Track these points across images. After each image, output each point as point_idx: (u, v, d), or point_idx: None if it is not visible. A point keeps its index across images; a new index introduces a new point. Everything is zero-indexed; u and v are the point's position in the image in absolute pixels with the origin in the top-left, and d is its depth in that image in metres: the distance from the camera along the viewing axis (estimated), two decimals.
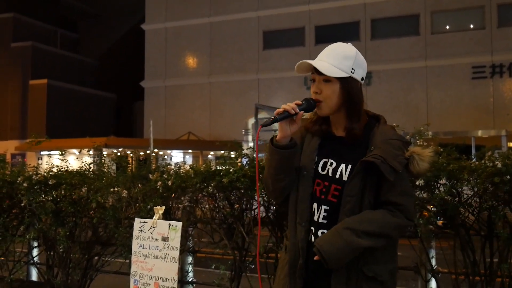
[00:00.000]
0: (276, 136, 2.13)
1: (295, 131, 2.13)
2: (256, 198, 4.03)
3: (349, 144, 2.14)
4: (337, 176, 2.12)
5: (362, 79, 2.17)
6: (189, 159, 23.01)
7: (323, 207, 2.13)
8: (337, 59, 2.12)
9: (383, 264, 2.10)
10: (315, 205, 2.15)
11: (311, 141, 2.21)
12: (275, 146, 2.12)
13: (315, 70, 2.13)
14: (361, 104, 2.16)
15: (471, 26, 21.55)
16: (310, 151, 2.19)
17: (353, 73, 2.12)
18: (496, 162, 3.21)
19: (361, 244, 2.00)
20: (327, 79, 2.11)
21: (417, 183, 3.33)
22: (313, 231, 2.14)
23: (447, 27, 21.99)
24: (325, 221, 2.12)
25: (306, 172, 2.16)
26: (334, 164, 2.14)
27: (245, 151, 4.24)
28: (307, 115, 2.26)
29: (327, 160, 2.16)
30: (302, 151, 2.21)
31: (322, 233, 2.10)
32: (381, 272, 2.08)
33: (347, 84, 2.11)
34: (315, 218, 2.15)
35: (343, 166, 2.12)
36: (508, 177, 3.13)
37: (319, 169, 2.16)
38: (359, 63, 2.15)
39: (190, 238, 4.63)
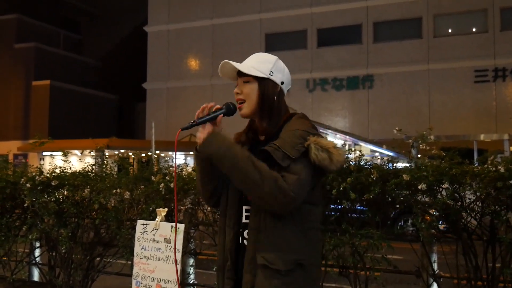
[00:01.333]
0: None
1: None
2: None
3: (263, 144, 2.20)
4: None
5: (282, 83, 2.28)
6: (191, 161, 23.01)
7: (245, 207, 2.22)
8: (257, 62, 2.27)
9: (280, 253, 2.07)
10: (244, 208, 2.23)
11: None
12: (196, 150, 2.26)
13: (237, 73, 2.27)
14: (276, 104, 2.25)
15: (474, 29, 21.55)
16: None
17: (271, 75, 2.25)
18: (499, 167, 3.21)
19: (236, 152, 2.06)
20: (247, 80, 2.25)
21: (419, 187, 3.33)
22: (241, 232, 2.22)
23: (450, 30, 21.99)
24: (247, 221, 2.19)
25: None
26: None
27: None
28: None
29: None
30: None
31: (251, 233, 2.13)
32: (274, 261, 2.06)
33: (264, 84, 2.24)
34: (243, 220, 2.22)
35: None
36: (511, 181, 3.13)
37: None
38: (278, 68, 2.29)
39: (192, 240, 4.64)
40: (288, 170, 2.04)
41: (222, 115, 2.23)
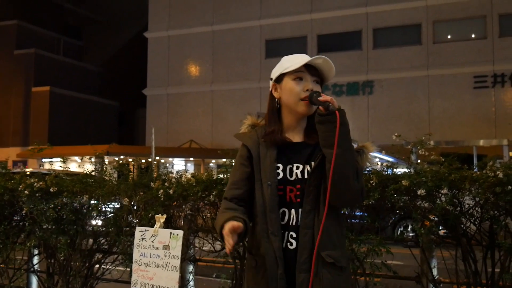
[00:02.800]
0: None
1: None
2: None
3: (309, 146, 2.25)
4: (306, 176, 2.21)
5: None
6: (190, 167, 23.01)
7: (300, 210, 2.20)
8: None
9: (339, 250, 2.18)
10: (292, 211, 2.21)
11: (267, 152, 2.27)
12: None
13: (307, 69, 2.25)
14: None
15: (473, 35, 21.60)
16: (271, 162, 2.24)
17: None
18: (498, 172, 3.20)
19: (350, 141, 2.16)
20: (317, 81, 2.27)
21: (418, 192, 3.33)
22: (294, 236, 2.19)
23: (449, 36, 22.03)
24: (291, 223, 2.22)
25: (271, 182, 2.21)
26: (301, 167, 2.23)
27: None
28: (243, 128, 2.49)
29: (293, 165, 2.24)
30: (260, 163, 2.26)
31: (306, 233, 2.15)
32: (339, 258, 2.16)
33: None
34: (294, 223, 2.20)
35: (307, 166, 2.22)
36: (510, 187, 3.12)
37: (288, 176, 2.23)
38: None
39: (191, 246, 4.62)
40: None
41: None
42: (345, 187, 2.10)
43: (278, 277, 2.15)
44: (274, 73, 2.36)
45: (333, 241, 2.16)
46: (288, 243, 2.19)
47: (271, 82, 2.37)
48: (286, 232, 2.20)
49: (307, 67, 2.25)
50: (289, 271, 2.17)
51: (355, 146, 2.28)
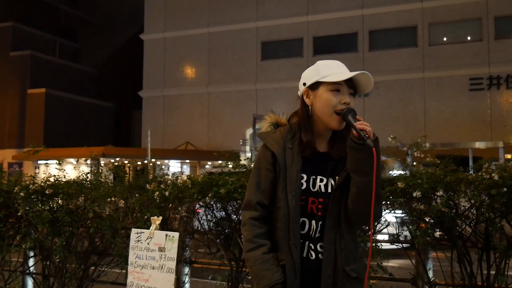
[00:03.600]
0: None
1: None
2: None
3: (333, 159, 2.24)
4: (329, 190, 2.21)
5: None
6: (186, 169, 22.99)
7: (320, 222, 2.21)
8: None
9: (359, 261, 2.22)
10: (313, 222, 2.21)
11: (293, 159, 2.23)
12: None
13: (346, 82, 2.23)
14: None
15: (469, 38, 21.66)
16: (296, 171, 2.21)
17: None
18: (493, 174, 3.21)
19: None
20: (352, 94, 2.26)
21: (414, 194, 3.33)
22: (313, 248, 2.20)
23: (445, 39, 22.09)
24: (316, 234, 2.23)
25: (295, 192, 2.19)
26: (325, 180, 2.22)
27: (242, 162, 4.23)
28: (264, 127, 2.39)
29: (317, 177, 2.23)
30: (285, 169, 2.22)
31: (329, 248, 2.17)
32: (361, 270, 2.19)
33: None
34: (313, 234, 2.21)
35: (331, 180, 2.21)
36: (505, 189, 3.13)
37: (311, 187, 2.22)
38: None
39: (187, 248, 4.62)
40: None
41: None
42: (368, 212, 2.07)
43: (295, 287, 2.16)
44: (309, 79, 2.30)
45: (354, 255, 2.19)
46: (309, 254, 2.21)
47: (303, 87, 2.32)
48: (307, 242, 2.21)
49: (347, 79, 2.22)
50: (306, 282, 2.18)
51: None
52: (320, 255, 2.19)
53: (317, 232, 2.20)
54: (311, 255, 2.20)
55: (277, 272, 2.15)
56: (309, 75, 2.31)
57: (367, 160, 2.03)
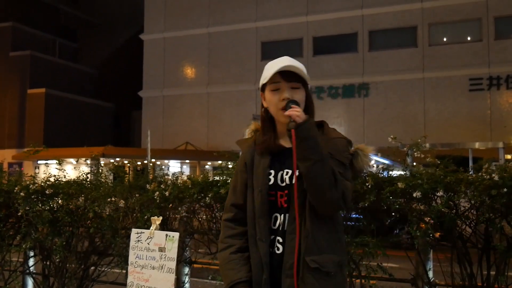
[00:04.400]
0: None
1: None
2: None
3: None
4: (293, 181, 2.20)
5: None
6: (186, 169, 22.99)
7: (287, 215, 2.22)
8: (301, 68, 2.24)
9: (327, 255, 2.15)
10: (281, 216, 2.23)
11: (261, 159, 2.29)
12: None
13: (282, 77, 2.22)
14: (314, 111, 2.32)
15: (468, 38, 21.66)
16: (263, 168, 2.27)
17: (308, 82, 2.29)
18: (493, 175, 3.21)
19: (326, 158, 2.08)
20: (296, 87, 2.23)
21: (414, 195, 3.34)
22: (281, 241, 2.21)
23: (445, 39, 22.09)
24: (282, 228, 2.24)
25: (261, 188, 2.24)
26: (290, 172, 2.23)
27: None
28: (247, 134, 2.45)
29: (283, 171, 2.25)
30: (253, 170, 2.29)
31: (292, 238, 2.15)
32: (326, 263, 2.13)
33: (308, 91, 2.28)
34: (280, 228, 2.22)
35: (297, 172, 2.20)
36: (505, 189, 3.14)
37: (279, 181, 2.25)
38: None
39: (187, 248, 4.62)
40: (343, 176, 2.14)
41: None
42: (321, 197, 2.09)
43: (262, 282, 2.19)
44: (260, 83, 2.36)
45: (320, 246, 2.14)
46: (276, 248, 2.22)
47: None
48: (274, 237, 2.23)
49: (282, 74, 2.22)
50: (276, 275, 2.19)
51: (351, 148, 2.28)
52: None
53: (285, 225, 2.20)
54: (278, 249, 2.21)
55: (240, 271, 2.21)
56: (261, 79, 2.35)
57: (301, 145, 2.06)
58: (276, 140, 2.31)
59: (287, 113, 2.10)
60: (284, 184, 2.24)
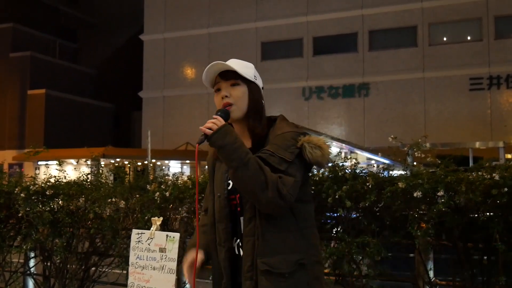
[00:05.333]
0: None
1: None
2: None
3: (256, 151, 2.16)
4: None
5: (262, 88, 2.32)
6: (187, 170, 22.98)
7: (241, 218, 2.20)
8: (241, 67, 2.25)
9: (281, 255, 2.09)
10: (241, 219, 2.20)
11: (220, 164, 2.29)
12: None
13: (221, 77, 2.23)
14: (264, 108, 2.29)
15: (469, 38, 21.66)
16: (221, 174, 2.28)
17: (256, 79, 2.27)
18: (494, 174, 3.21)
19: (250, 157, 2.02)
20: (235, 83, 2.22)
21: (414, 195, 3.33)
22: (240, 244, 2.20)
23: (445, 38, 22.09)
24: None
25: (220, 193, 2.25)
26: None
27: None
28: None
29: None
30: (214, 172, 2.33)
31: (248, 241, 2.13)
32: (278, 265, 2.07)
33: (253, 88, 2.25)
34: (242, 231, 2.19)
35: None
36: (506, 189, 3.13)
37: (233, 187, 2.23)
38: (257, 75, 2.32)
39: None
40: (285, 173, 2.06)
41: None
42: (255, 199, 2.06)
43: (222, 286, 2.21)
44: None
45: (272, 247, 2.09)
46: (239, 251, 2.21)
47: None
48: (235, 240, 2.23)
49: (221, 74, 2.24)
50: (238, 279, 2.19)
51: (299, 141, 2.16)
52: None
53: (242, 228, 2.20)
54: (239, 252, 2.20)
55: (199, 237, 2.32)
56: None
57: (220, 154, 2.06)
58: None
59: (200, 128, 2.07)
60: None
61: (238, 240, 2.21)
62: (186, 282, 4.67)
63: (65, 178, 4.80)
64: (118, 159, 19.03)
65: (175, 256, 3.09)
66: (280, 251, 2.09)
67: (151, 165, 16.32)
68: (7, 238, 4.87)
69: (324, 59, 23.36)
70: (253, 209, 2.12)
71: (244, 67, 2.25)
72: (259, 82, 2.31)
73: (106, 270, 4.73)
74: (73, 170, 5.53)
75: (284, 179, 2.05)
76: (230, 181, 2.24)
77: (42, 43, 29.74)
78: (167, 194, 4.08)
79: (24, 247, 4.65)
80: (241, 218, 2.19)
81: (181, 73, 26.24)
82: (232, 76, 2.22)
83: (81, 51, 34.27)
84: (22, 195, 4.56)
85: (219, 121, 2.07)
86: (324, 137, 2.19)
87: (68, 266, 4.62)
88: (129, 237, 3.54)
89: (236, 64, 2.25)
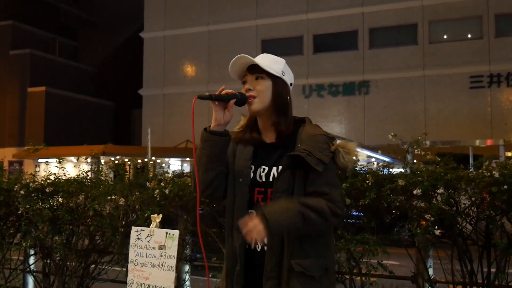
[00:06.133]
0: (210, 125, 2.24)
1: (228, 120, 2.25)
2: None
3: (279, 148, 2.21)
4: (270, 179, 2.19)
5: (291, 84, 2.32)
6: (186, 167, 22.97)
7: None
8: (269, 61, 2.27)
9: (313, 259, 2.11)
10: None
11: (244, 150, 2.29)
12: (209, 133, 2.22)
13: (248, 70, 2.27)
14: (289, 104, 2.29)
15: (469, 35, 21.64)
16: (245, 159, 2.26)
17: (283, 75, 2.26)
18: (494, 172, 3.21)
19: (302, 213, 2.02)
20: (259, 77, 2.25)
21: (414, 192, 3.33)
22: None
23: (445, 36, 22.07)
24: None
25: (242, 179, 2.23)
26: (266, 169, 2.22)
27: None
28: (236, 129, 2.43)
29: (261, 167, 2.24)
30: (235, 160, 2.29)
31: (274, 240, 2.13)
32: (311, 268, 2.09)
33: (278, 83, 2.25)
34: None
35: (274, 169, 2.19)
36: (506, 187, 3.13)
37: (257, 177, 2.23)
38: (287, 70, 2.31)
39: (187, 246, 4.62)
40: (321, 177, 2.09)
41: (234, 100, 2.23)
42: (320, 231, 2.14)
43: (235, 273, 2.19)
44: None
45: (306, 250, 2.11)
46: (256, 245, 2.19)
47: None
48: None
49: (248, 68, 2.29)
50: (252, 271, 2.18)
51: (333, 146, 2.19)
52: (265, 247, 2.16)
53: None
54: (258, 246, 2.19)
55: None
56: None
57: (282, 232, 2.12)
58: (255, 133, 2.31)
59: (247, 239, 2.05)
60: (261, 180, 2.22)
61: None
62: (186, 279, 4.67)
63: (64, 175, 4.80)
64: (118, 157, 19.03)
65: (175, 253, 3.09)
66: (312, 254, 2.12)
67: (151, 162, 16.32)
68: (7, 235, 4.87)
69: (324, 57, 23.34)
70: None
71: (273, 62, 2.27)
72: (288, 78, 2.31)
73: (106, 267, 4.73)
74: (73, 168, 5.53)
75: (331, 197, 2.08)
76: (252, 171, 2.24)
77: (42, 41, 29.70)
78: (167, 191, 4.08)
79: (24, 244, 4.65)
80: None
81: (181, 70, 26.23)
82: (257, 70, 2.25)
83: (81, 49, 34.24)
84: (22, 192, 4.56)
85: (255, 219, 2.02)
86: (355, 143, 2.23)
87: (68, 263, 4.62)
88: (128, 235, 3.54)
89: (264, 59, 2.27)
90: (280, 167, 2.15)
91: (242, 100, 2.23)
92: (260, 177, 2.22)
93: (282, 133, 2.23)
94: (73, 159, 16.85)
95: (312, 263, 2.10)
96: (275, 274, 2.10)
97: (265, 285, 2.12)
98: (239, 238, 2.17)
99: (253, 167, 2.25)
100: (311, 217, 2.02)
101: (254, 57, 2.31)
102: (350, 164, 2.16)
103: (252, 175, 2.23)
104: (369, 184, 3.48)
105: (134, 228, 3.27)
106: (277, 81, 2.25)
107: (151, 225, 3.18)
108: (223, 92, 2.24)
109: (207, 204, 4.17)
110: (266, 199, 2.17)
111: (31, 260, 5.32)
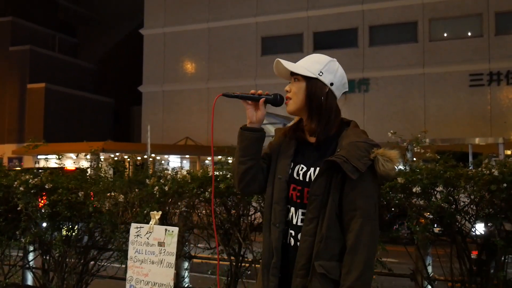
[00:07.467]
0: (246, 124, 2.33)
1: (260, 118, 2.30)
2: (253, 204, 4.04)
3: (320, 149, 2.24)
4: (307, 179, 2.21)
5: (332, 84, 2.26)
6: (186, 164, 22.98)
7: (300, 210, 2.22)
8: (308, 62, 2.29)
9: (335, 262, 2.12)
10: (292, 209, 2.24)
11: (287, 146, 2.33)
12: (241, 129, 2.32)
13: (291, 72, 2.29)
14: (323, 105, 2.24)
15: (469, 33, 21.63)
16: (286, 156, 2.30)
17: (320, 75, 2.24)
18: (493, 170, 3.21)
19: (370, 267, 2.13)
20: (297, 78, 2.27)
21: (414, 190, 3.33)
22: (293, 234, 2.23)
23: (445, 34, 22.06)
24: (299, 223, 2.22)
25: (281, 176, 2.27)
26: (305, 169, 2.24)
27: None
28: (288, 125, 2.44)
29: (299, 165, 2.26)
30: (278, 155, 2.33)
31: (305, 240, 2.16)
32: (333, 271, 2.10)
33: (312, 84, 2.24)
34: (294, 221, 2.23)
35: (312, 170, 2.21)
36: (505, 185, 3.13)
37: (295, 175, 2.26)
38: (330, 70, 2.28)
39: (187, 243, 4.62)
40: (357, 186, 2.09)
41: (264, 99, 2.28)
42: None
43: (271, 266, 2.21)
44: None
45: (332, 253, 2.12)
46: (290, 240, 2.23)
47: None
48: (288, 228, 2.24)
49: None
50: (287, 264, 2.21)
51: (372, 154, 2.16)
52: (298, 243, 2.19)
53: (298, 220, 2.22)
54: (291, 242, 2.22)
55: None
56: None
57: None
58: (300, 131, 2.32)
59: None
60: (298, 178, 2.25)
61: (286, 228, 2.24)
62: (185, 276, 4.67)
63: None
64: (117, 153, 19.03)
65: (174, 250, 3.09)
66: (336, 258, 2.13)
67: (151, 159, 16.32)
68: (6, 231, 4.87)
69: (324, 54, 23.30)
70: (318, 210, 2.13)
71: (313, 63, 2.28)
72: (327, 78, 2.25)
73: (105, 264, 4.73)
74: (73, 164, 5.53)
75: (364, 212, 2.10)
76: (290, 168, 2.27)
77: (41, 37, 29.69)
78: (166, 188, 4.07)
79: (23, 241, 4.65)
80: (299, 211, 2.22)
81: (181, 67, 26.21)
82: (295, 72, 2.28)
83: (80, 45, 34.23)
84: (21, 188, 4.56)
85: None
86: (397, 152, 2.18)
87: (67, 260, 4.62)
88: (128, 231, 3.54)
89: (306, 59, 2.31)
90: (318, 169, 2.17)
91: (276, 100, 2.30)
92: (298, 174, 2.25)
93: (317, 134, 2.24)
94: (73, 155, 16.79)
95: (334, 266, 2.11)
96: (303, 273, 2.13)
97: (293, 281, 2.16)
98: (276, 232, 2.22)
99: (292, 164, 2.28)
100: (367, 256, 2.10)
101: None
102: (391, 172, 2.11)
103: (290, 171, 2.27)
104: None
105: (133, 225, 3.28)
106: (311, 81, 2.25)
107: (150, 222, 3.19)
108: (253, 91, 2.31)
109: (206, 201, 4.17)
110: (302, 197, 2.20)
111: (31, 256, 5.32)
